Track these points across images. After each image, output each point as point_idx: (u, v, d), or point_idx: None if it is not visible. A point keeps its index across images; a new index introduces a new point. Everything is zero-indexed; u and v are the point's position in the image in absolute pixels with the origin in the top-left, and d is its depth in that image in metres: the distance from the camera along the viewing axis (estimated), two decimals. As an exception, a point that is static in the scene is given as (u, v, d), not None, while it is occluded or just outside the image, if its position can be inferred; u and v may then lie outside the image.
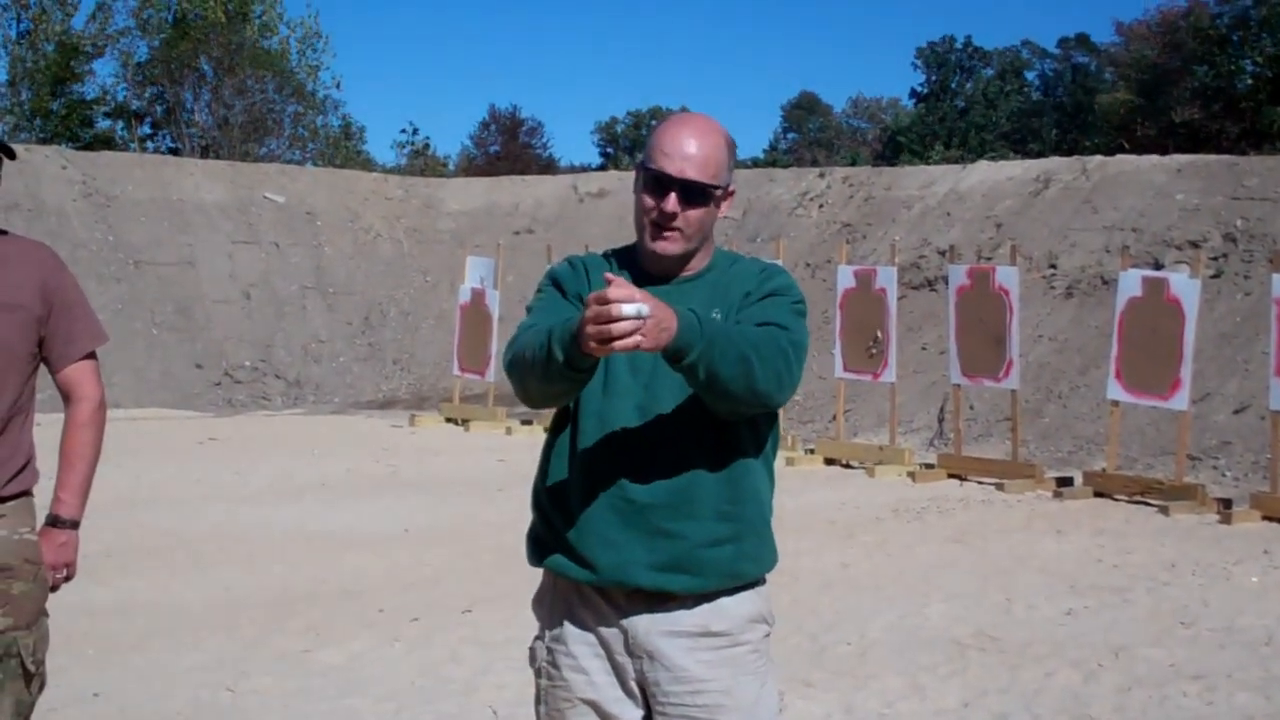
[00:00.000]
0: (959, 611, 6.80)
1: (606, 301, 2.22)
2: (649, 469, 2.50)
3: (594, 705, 2.57)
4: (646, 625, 2.53)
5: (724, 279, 2.62)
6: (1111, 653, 6.02)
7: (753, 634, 2.60)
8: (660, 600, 2.52)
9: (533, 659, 2.66)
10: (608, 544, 2.50)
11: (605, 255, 2.70)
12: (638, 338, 2.22)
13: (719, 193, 2.56)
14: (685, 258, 2.60)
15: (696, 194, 2.52)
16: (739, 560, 2.56)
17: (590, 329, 2.23)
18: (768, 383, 2.41)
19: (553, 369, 2.37)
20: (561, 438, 2.60)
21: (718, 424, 2.51)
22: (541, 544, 2.61)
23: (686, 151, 2.51)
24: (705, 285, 2.61)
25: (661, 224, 2.54)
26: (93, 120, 30.95)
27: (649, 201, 2.54)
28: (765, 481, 2.63)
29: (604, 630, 2.56)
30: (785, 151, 49.43)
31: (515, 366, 2.50)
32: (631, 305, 2.23)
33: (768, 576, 2.67)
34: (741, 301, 2.58)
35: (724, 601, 2.56)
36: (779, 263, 13.22)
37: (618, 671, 2.56)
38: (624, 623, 2.54)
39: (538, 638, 2.66)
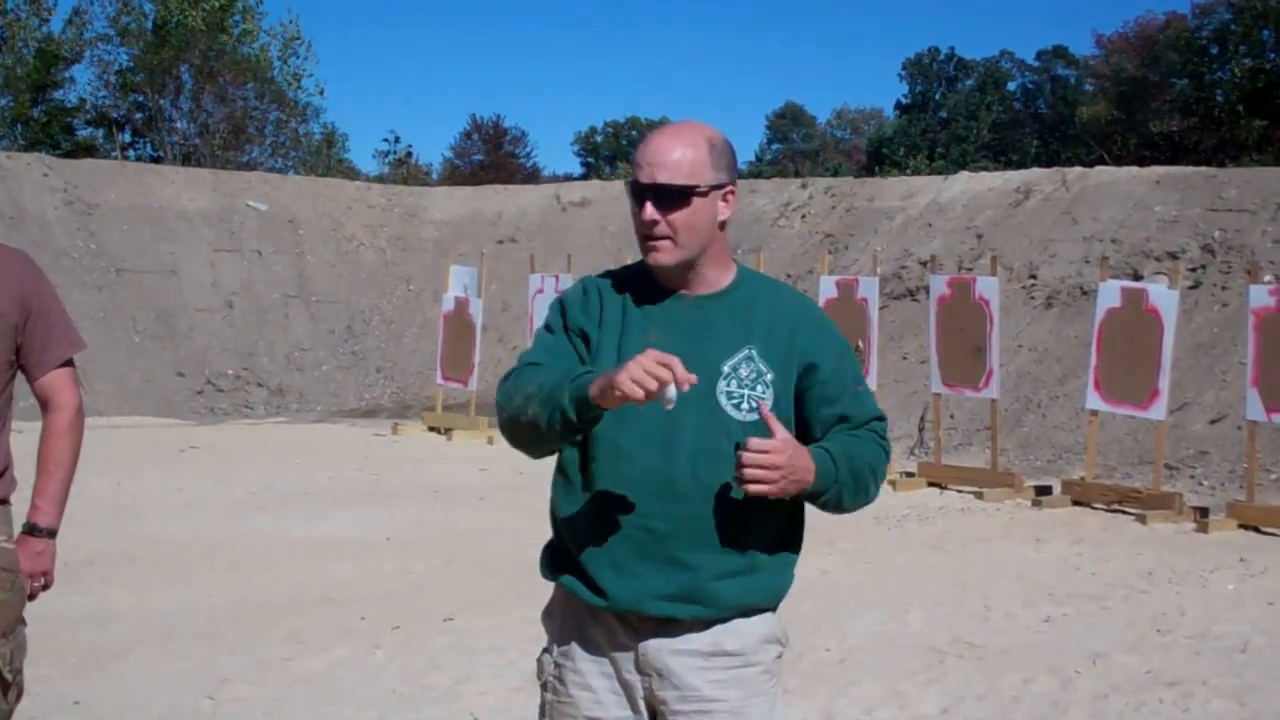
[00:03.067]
0: (938, 619, 6.84)
1: (668, 366, 2.29)
2: (666, 496, 2.46)
3: None
4: (658, 646, 2.50)
5: (753, 308, 2.56)
6: (1089, 660, 6.07)
7: (766, 654, 2.56)
8: (673, 623, 2.49)
9: (540, 671, 2.63)
10: (621, 572, 2.47)
11: (617, 274, 2.65)
12: (766, 487, 2.35)
13: (701, 191, 2.49)
14: (688, 266, 2.54)
15: (670, 197, 2.48)
16: (749, 593, 2.52)
17: (634, 371, 2.27)
18: (875, 494, 2.59)
19: (554, 424, 2.40)
20: (568, 458, 2.56)
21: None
22: (556, 561, 2.58)
23: (657, 158, 2.48)
24: (730, 309, 2.55)
25: (647, 234, 2.50)
26: (74, 128, 30.87)
27: (635, 213, 2.52)
28: (792, 506, 2.56)
29: (614, 649, 2.53)
30: (769, 162, 49.52)
31: (511, 420, 2.49)
32: (672, 390, 2.31)
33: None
34: (807, 363, 2.55)
35: (738, 622, 2.52)
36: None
37: (626, 690, 2.53)
38: (635, 644, 2.51)
39: (546, 650, 2.63)
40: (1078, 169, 17.32)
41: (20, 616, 3.21)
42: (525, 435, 2.49)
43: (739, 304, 2.56)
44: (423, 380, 18.19)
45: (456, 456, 13.25)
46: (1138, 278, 13.51)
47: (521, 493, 10.48)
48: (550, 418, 2.40)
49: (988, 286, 11.49)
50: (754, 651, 2.54)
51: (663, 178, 2.48)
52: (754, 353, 2.52)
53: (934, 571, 8.05)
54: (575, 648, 2.56)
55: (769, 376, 2.51)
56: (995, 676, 5.82)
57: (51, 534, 3.29)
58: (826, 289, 12.61)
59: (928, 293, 12.65)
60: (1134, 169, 16.74)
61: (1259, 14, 30.32)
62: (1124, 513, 10.11)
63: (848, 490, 2.49)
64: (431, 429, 15.13)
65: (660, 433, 2.47)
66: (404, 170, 35.27)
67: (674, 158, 2.49)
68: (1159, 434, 10.54)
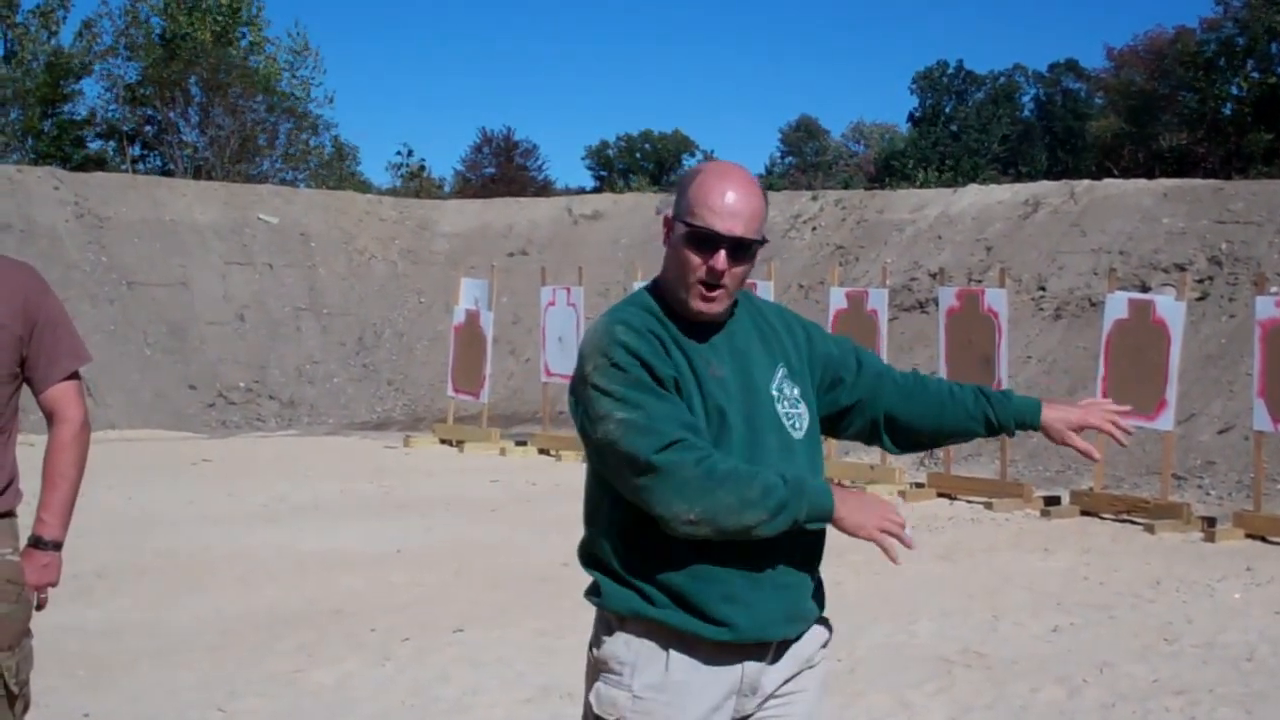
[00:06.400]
0: (947, 629, 6.86)
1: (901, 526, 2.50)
2: None
3: None
4: (757, 666, 2.57)
5: (764, 324, 2.65)
6: (1096, 669, 6.08)
7: (824, 654, 2.74)
8: (781, 643, 2.61)
9: (609, 707, 2.54)
10: (738, 603, 2.49)
11: (642, 313, 2.57)
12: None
13: (761, 244, 2.56)
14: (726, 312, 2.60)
15: (744, 251, 2.51)
16: (821, 604, 2.71)
17: (885, 525, 2.48)
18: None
19: (775, 529, 2.44)
20: None
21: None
22: (642, 595, 2.51)
23: (735, 208, 2.49)
24: (745, 332, 2.62)
25: (711, 283, 2.50)
26: (84, 141, 31.04)
27: (695, 259, 2.50)
28: None
29: (713, 677, 2.53)
30: (781, 175, 49.51)
31: (709, 517, 2.40)
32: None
33: None
34: (833, 358, 2.74)
35: (814, 629, 2.70)
36: (769, 285, 13.18)
37: (715, 715, 2.54)
38: (740, 665, 2.55)
39: (611, 685, 2.55)
40: (1086, 181, 17.34)
41: (26, 629, 3.22)
42: (727, 529, 2.44)
43: (748, 326, 2.64)
44: (434, 393, 18.23)
45: (468, 469, 13.28)
46: (1145, 289, 13.51)
47: (533, 505, 10.51)
48: (775, 526, 2.43)
49: (997, 298, 11.51)
50: (816, 655, 2.70)
51: (741, 230, 2.50)
52: (785, 371, 2.63)
53: (942, 582, 8.06)
54: (670, 677, 2.51)
55: (797, 391, 2.64)
56: (1003, 686, 5.83)
57: (57, 546, 3.30)
58: (837, 300, 12.64)
59: (937, 304, 12.67)
60: (1142, 181, 16.76)
61: (1266, 29, 30.35)
62: (1132, 523, 10.11)
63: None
64: (443, 441, 15.17)
65: (749, 463, 2.50)
66: (417, 183, 35.38)
67: (750, 210, 2.52)
68: (1166, 444, 10.54)
